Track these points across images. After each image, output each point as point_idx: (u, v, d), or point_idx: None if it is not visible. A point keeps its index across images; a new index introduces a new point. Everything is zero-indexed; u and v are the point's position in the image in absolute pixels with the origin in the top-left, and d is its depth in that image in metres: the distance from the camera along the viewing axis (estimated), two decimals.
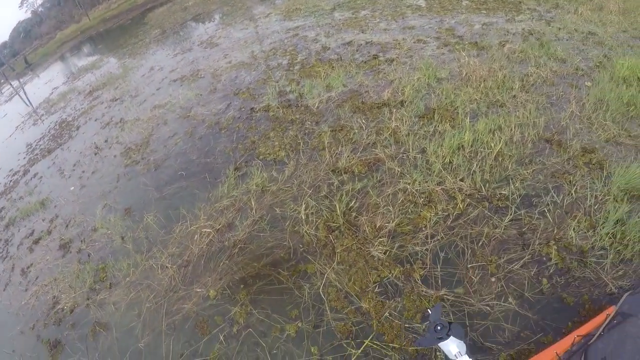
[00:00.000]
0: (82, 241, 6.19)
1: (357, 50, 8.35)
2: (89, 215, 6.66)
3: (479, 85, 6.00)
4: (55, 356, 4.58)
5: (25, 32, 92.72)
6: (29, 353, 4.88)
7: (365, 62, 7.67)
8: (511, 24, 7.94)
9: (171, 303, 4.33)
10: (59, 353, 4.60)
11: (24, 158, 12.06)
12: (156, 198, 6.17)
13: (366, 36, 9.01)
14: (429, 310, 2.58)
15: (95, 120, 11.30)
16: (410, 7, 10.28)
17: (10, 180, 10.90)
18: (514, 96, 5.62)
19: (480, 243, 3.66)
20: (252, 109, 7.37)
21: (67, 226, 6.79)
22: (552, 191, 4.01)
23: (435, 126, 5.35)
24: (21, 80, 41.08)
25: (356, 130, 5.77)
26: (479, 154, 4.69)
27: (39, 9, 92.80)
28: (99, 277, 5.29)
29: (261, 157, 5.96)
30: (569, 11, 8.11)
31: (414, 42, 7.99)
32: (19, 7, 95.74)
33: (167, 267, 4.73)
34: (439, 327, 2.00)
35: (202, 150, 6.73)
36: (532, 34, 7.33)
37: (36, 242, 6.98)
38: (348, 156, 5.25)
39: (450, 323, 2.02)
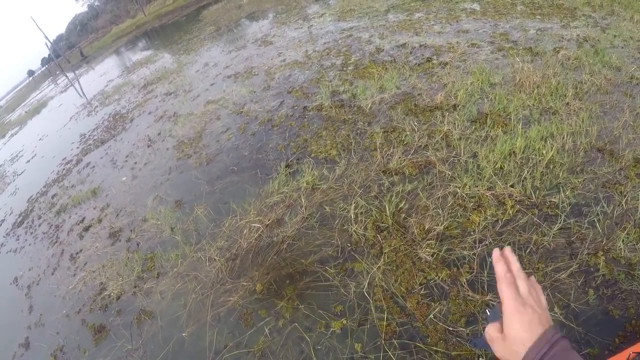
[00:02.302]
0: (131, 230, 6.58)
1: (410, 53, 8.43)
2: (140, 206, 7.07)
3: (532, 92, 5.96)
4: (99, 341, 4.90)
5: (82, 26, 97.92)
6: (73, 336, 5.24)
7: (418, 65, 7.75)
8: (566, 30, 7.81)
9: (217, 295, 4.55)
10: (103, 338, 4.91)
11: (77, 147, 12.84)
12: (207, 192, 6.48)
13: (420, 39, 9.07)
14: (487, 310, 2.63)
15: (149, 113, 11.90)
16: (464, 11, 10.24)
17: (64, 169, 11.64)
18: (567, 104, 5.56)
19: (528, 250, 3.68)
20: (305, 107, 7.58)
21: (117, 215, 7.23)
22: (602, 201, 3.97)
23: (487, 131, 5.39)
24: (76, 72, 43.55)
25: (408, 133, 5.86)
26: (530, 160, 4.69)
27: (95, 3, 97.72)
28: (147, 266, 5.63)
29: (313, 155, 6.15)
30: (625, 18, 7.88)
31: (468, 46, 8.00)
32: (76, 0, 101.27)
33: (215, 259, 4.97)
34: None
35: (254, 147, 6.99)
36: (586, 41, 7.19)
37: (86, 229, 7.47)
38: (399, 158, 5.34)
39: None
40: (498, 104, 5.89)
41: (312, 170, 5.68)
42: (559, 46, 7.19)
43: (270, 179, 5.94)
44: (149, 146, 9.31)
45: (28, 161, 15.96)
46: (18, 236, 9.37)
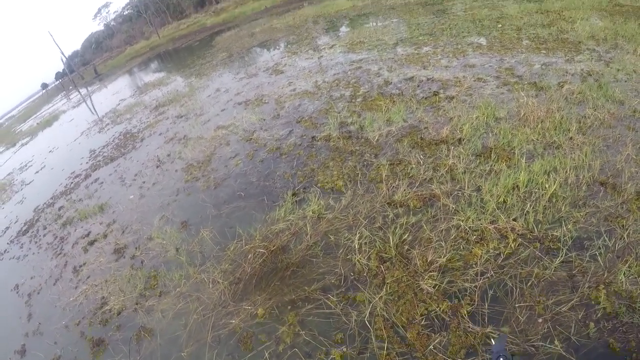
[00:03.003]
0: (136, 248, 6.65)
1: (418, 86, 8.59)
2: (146, 225, 7.14)
3: (537, 126, 6.08)
4: (97, 354, 4.94)
5: (97, 44, 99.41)
6: (71, 347, 5.29)
7: (425, 99, 7.90)
8: (570, 64, 7.96)
9: (219, 317, 4.60)
10: (101, 352, 4.96)
11: (87, 162, 12.98)
12: (213, 215, 6.57)
13: (427, 72, 9.24)
14: (492, 339, 2.68)
15: (160, 134, 12.07)
16: (471, 45, 10.44)
17: (72, 182, 11.75)
18: (571, 138, 5.66)
19: (530, 283, 3.74)
20: (313, 137, 7.72)
21: (123, 232, 7.30)
22: (604, 235, 4.04)
23: (491, 165, 5.50)
24: (89, 88, 44.04)
25: (414, 165, 5.97)
26: (533, 194, 4.79)
27: (111, 23, 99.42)
28: (149, 284, 5.69)
29: (319, 184, 6.25)
30: (628, 51, 8.02)
31: (474, 81, 8.15)
32: (93, 19, 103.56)
33: (218, 282, 5.04)
34: (501, 359, 2.09)
35: (262, 174, 7.11)
36: (590, 75, 7.33)
37: (91, 243, 7.54)
38: (404, 190, 5.44)
39: (513, 356, 2.07)
40: (503, 138, 6.01)
41: (318, 199, 5.78)
42: (563, 80, 7.33)
43: (276, 206, 6.03)
44: (158, 167, 9.44)
45: (37, 172, 16.09)
46: (22, 244, 9.44)
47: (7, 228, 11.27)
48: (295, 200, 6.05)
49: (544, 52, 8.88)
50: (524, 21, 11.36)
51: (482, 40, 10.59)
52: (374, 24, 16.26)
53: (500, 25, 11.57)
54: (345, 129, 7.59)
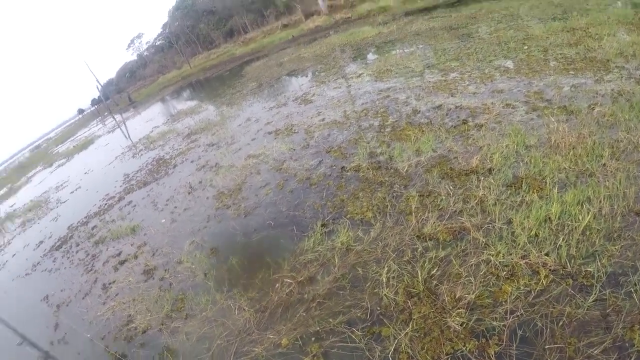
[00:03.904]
0: (166, 270, 6.78)
1: (446, 115, 8.52)
2: (176, 249, 7.28)
3: (568, 153, 5.87)
4: None
5: (131, 73, 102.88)
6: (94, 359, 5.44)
7: (454, 127, 7.83)
8: (600, 84, 7.72)
9: (242, 344, 4.63)
10: None
11: (121, 186, 13.33)
12: (243, 243, 6.66)
13: (455, 100, 9.15)
14: None
15: (191, 161, 12.31)
16: (498, 69, 10.30)
17: (106, 204, 12.06)
18: (604, 164, 5.43)
19: (561, 323, 3.60)
20: (342, 167, 7.76)
21: (153, 254, 7.44)
22: None
23: (522, 196, 5.34)
24: (123, 115, 45.34)
25: (443, 197, 5.87)
26: (566, 227, 4.60)
27: (144, 53, 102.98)
28: (176, 306, 5.78)
29: (349, 215, 6.25)
30: None
31: (503, 107, 8.03)
32: (126, 49, 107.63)
33: (244, 309, 5.08)
34: None
35: (291, 203, 7.19)
36: (621, 95, 7.05)
37: (122, 263, 7.74)
38: (434, 223, 5.37)
39: None
40: (533, 167, 5.87)
41: (347, 231, 5.79)
42: (593, 103, 7.13)
43: (305, 236, 6.07)
44: (189, 193, 9.62)
45: (72, 192, 16.55)
46: (55, 259, 9.76)
47: (41, 242, 11.62)
48: (325, 231, 6.07)
49: (572, 72, 8.73)
50: (550, 41, 11.32)
51: (509, 64, 10.52)
52: (400, 50, 16.42)
53: (526, 47, 11.52)
54: (375, 159, 7.61)
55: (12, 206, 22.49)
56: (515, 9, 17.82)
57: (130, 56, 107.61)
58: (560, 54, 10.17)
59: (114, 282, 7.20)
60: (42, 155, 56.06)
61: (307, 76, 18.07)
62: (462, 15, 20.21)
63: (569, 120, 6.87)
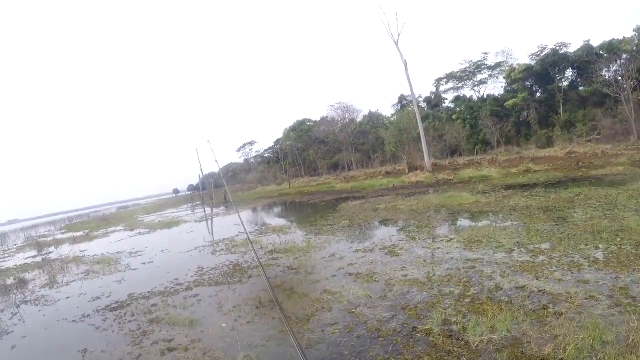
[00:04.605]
0: None
1: (528, 297, 8.00)
2: (229, 357, 7.04)
3: None
4: None
5: (233, 173, 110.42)
6: None
7: (534, 311, 7.32)
8: None
9: None
10: None
11: (192, 277, 13.58)
12: None
13: (540, 284, 8.61)
14: None
15: (268, 278, 12.29)
16: (587, 259, 9.72)
17: (173, 288, 12.26)
18: None
19: None
20: (414, 327, 7.35)
21: (204, 354, 7.25)
22: None
23: None
24: (214, 210, 47.69)
25: None
26: None
27: (251, 160, 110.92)
28: None
29: None
30: None
31: (586, 298, 7.49)
32: (236, 151, 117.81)
33: None
34: None
35: (355, 349, 6.80)
36: None
37: (170, 350, 7.60)
38: None
39: None
40: None
41: None
42: None
43: None
44: (257, 307, 9.51)
45: (144, 263, 17.11)
46: (106, 318, 9.88)
47: (98, 297, 11.94)
48: None
49: None
50: None
51: (599, 254, 9.98)
52: (494, 223, 16.05)
53: (619, 239, 11.03)
54: (448, 327, 7.19)
55: (82, 251, 23.64)
56: (614, 197, 17.78)
57: (238, 158, 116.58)
58: None
59: None
60: (127, 216, 59.69)
61: (398, 228, 18.12)
62: (560, 197, 20.12)
63: None
